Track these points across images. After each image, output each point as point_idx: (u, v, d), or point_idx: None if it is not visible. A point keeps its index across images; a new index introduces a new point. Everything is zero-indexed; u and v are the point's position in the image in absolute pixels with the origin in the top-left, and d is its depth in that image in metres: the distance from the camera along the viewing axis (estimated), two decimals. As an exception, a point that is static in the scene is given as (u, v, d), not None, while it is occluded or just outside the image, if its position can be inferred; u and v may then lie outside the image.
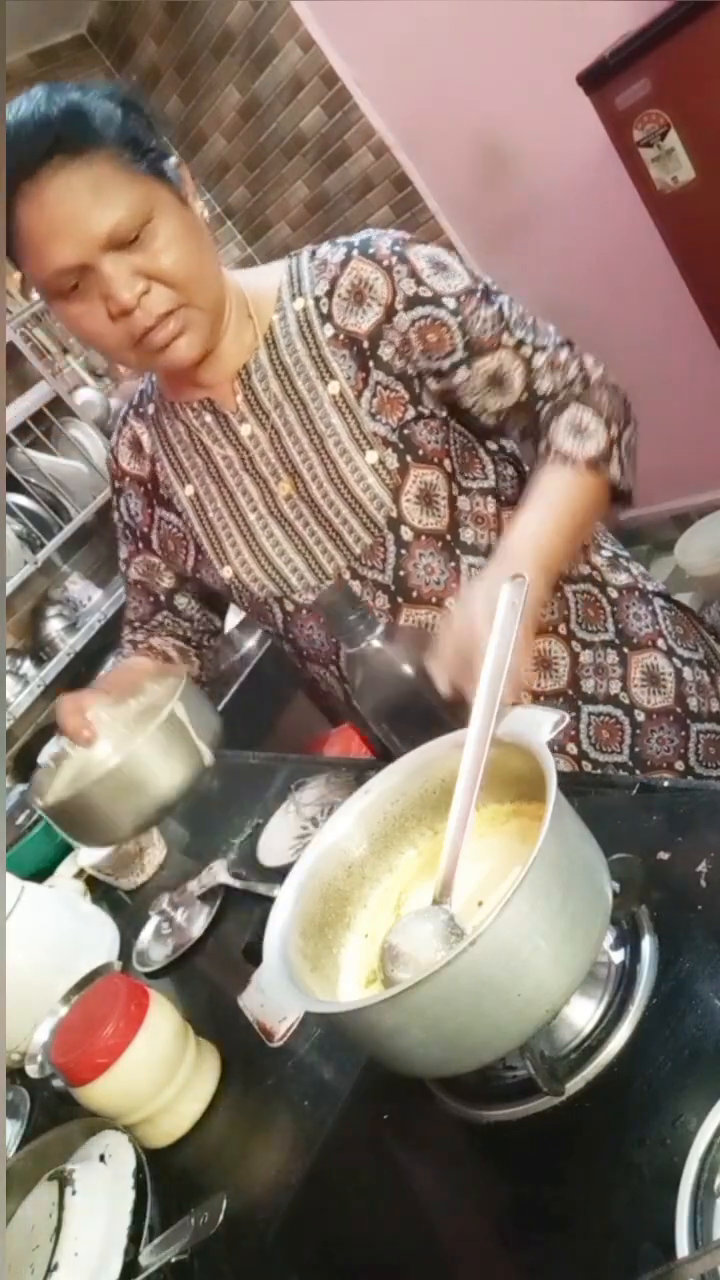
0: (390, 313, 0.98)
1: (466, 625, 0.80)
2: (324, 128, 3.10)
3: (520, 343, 1.01)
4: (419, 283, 0.98)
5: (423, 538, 1.03)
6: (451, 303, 0.99)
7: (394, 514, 1.02)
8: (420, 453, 1.02)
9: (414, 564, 1.03)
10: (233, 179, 3.49)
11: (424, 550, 1.03)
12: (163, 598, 1.25)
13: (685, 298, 2.44)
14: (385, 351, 0.99)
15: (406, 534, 1.03)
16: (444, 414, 1.04)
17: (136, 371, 1.07)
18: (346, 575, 1.05)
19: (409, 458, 1.01)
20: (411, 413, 1.01)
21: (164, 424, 1.12)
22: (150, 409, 1.14)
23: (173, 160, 0.94)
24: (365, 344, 0.99)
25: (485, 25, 2.55)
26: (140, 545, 1.21)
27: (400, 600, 1.05)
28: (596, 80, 2.17)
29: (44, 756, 1.17)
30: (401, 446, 1.01)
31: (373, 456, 1.00)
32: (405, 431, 1.01)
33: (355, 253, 1.00)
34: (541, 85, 2.48)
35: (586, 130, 2.30)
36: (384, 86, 2.92)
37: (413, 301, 0.98)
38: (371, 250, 1.00)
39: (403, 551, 1.03)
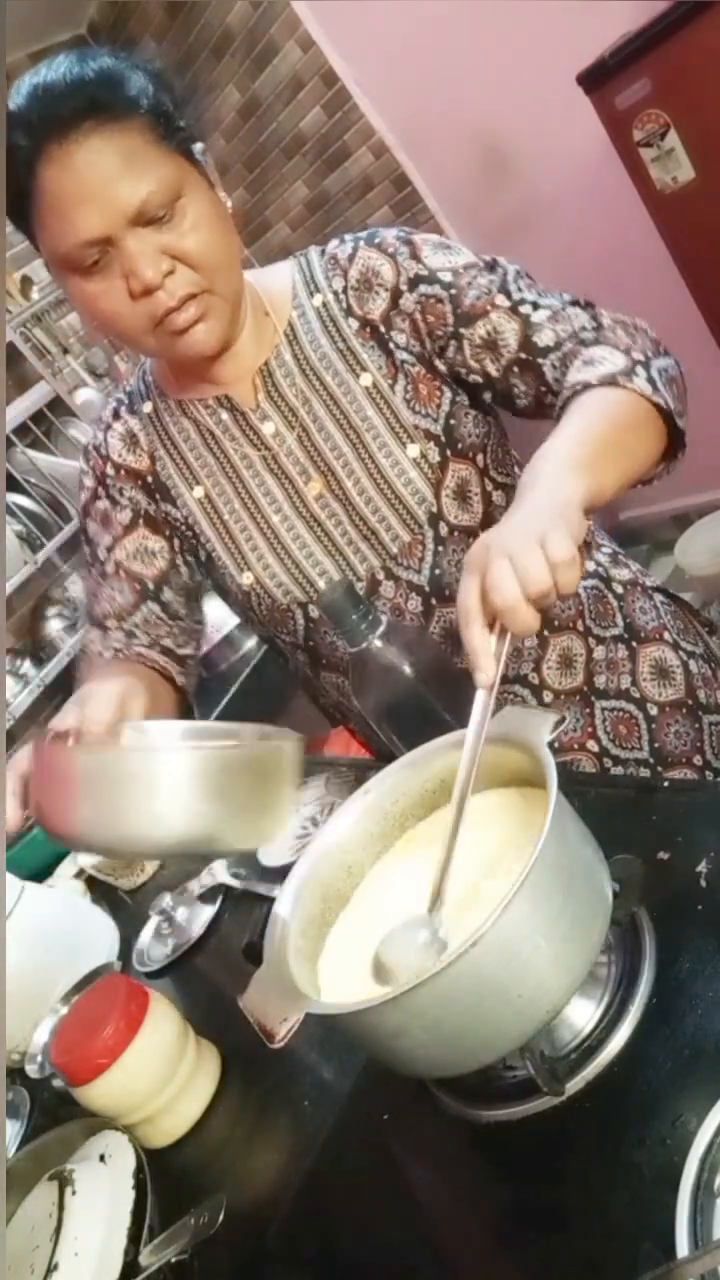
0: (396, 295, 0.98)
1: (479, 545, 0.70)
2: (324, 128, 3.10)
3: (518, 302, 0.95)
4: (418, 261, 0.98)
5: (457, 534, 1.01)
6: (447, 276, 0.97)
7: (434, 509, 1.00)
8: (460, 446, 1.00)
9: (449, 561, 1.02)
10: (233, 179, 3.49)
11: (458, 546, 1.02)
12: (151, 585, 1.10)
13: (685, 298, 2.44)
14: (399, 337, 0.98)
15: (444, 530, 1.01)
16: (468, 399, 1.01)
17: (154, 357, 1.01)
18: (380, 576, 1.03)
19: (449, 451, 1.00)
20: (449, 400, 0.99)
21: (165, 422, 1.08)
22: (146, 407, 1.09)
23: (200, 145, 0.91)
24: (382, 329, 0.98)
25: (485, 25, 2.55)
26: (137, 527, 1.10)
27: (434, 601, 1.03)
28: (596, 80, 2.17)
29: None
30: (444, 439, 0.99)
31: (414, 450, 0.98)
32: (450, 422, 0.99)
33: (362, 244, 1.00)
34: (541, 85, 2.48)
35: (586, 130, 2.30)
36: (384, 86, 2.92)
37: (414, 281, 0.97)
38: (378, 240, 1.00)
39: (439, 549, 1.01)
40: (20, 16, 2.97)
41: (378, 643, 0.87)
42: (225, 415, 1.04)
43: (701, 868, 0.77)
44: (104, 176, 0.82)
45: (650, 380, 0.85)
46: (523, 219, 2.91)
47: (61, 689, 2.80)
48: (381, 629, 0.88)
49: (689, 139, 2.13)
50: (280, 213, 3.46)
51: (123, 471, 1.10)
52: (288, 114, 3.14)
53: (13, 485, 2.67)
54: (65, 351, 2.95)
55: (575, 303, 0.96)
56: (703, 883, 0.76)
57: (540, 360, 0.93)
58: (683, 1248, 0.52)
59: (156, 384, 1.09)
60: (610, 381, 0.84)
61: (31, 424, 2.78)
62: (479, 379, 0.98)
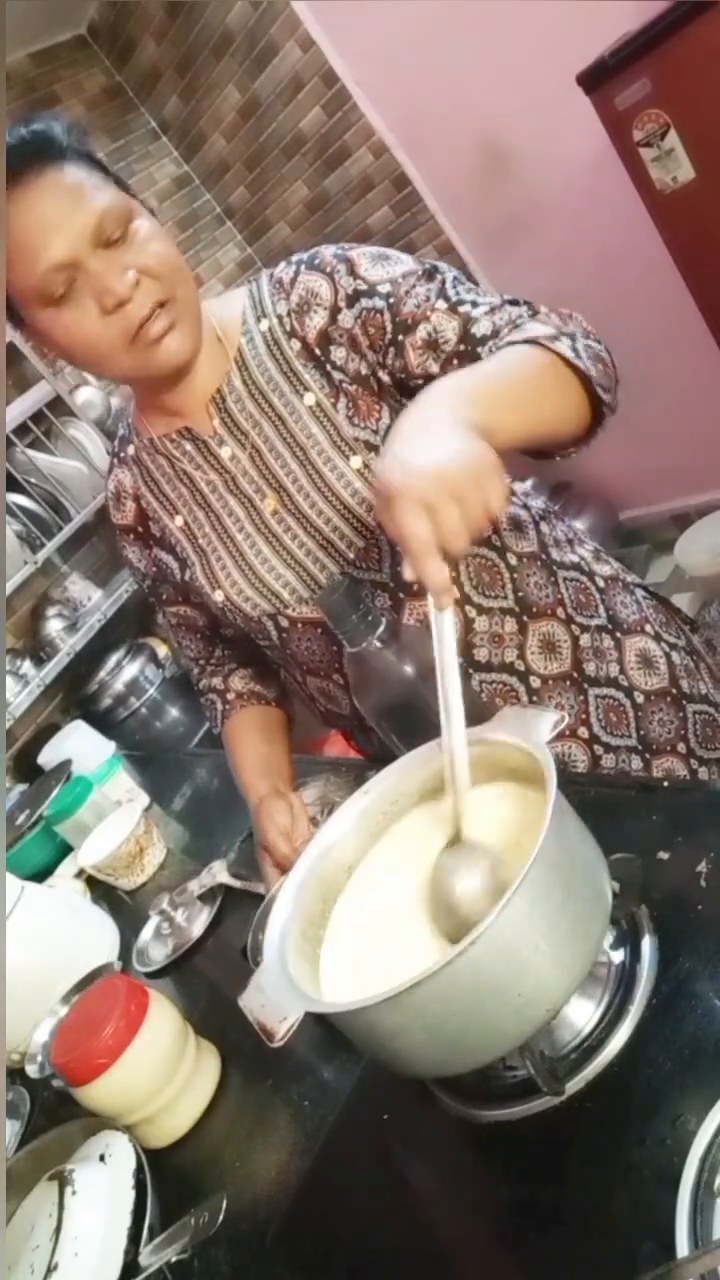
0: (335, 313, 1.00)
1: (417, 473, 0.70)
2: (324, 128, 3.10)
3: (459, 302, 0.98)
4: (356, 277, 1.00)
5: None
6: (385, 288, 0.99)
7: None
8: None
9: None
10: (233, 179, 3.49)
11: None
12: (208, 632, 1.27)
13: (685, 298, 2.44)
14: (338, 355, 1.01)
15: None
16: None
17: (130, 379, 1.04)
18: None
19: None
20: (388, 415, 1.02)
21: (145, 461, 1.14)
22: (130, 450, 1.16)
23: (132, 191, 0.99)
24: (318, 351, 1.01)
25: (485, 25, 2.55)
26: (162, 593, 1.24)
27: (402, 595, 1.05)
28: (596, 80, 2.16)
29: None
30: (383, 449, 1.01)
31: (357, 461, 1.01)
32: (388, 433, 1.01)
33: (303, 267, 1.03)
34: (541, 85, 2.48)
35: (586, 130, 2.30)
36: (384, 86, 2.92)
37: (353, 298, 0.99)
38: (317, 261, 1.02)
39: (397, 549, 1.03)
40: (20, 16, 2.97)
41: (377, 643, 0.87)
42: (188, 445, 1.09)
43: (701, 868, 0.77)
44: (60, 206, 0.90)
45: (574, 349, 0.88)
46: (523, 219, 2.91)
47: (61, 689, 2.80)
48: (381, 629, 0.88)
49: (689, 139, 2.12)
50: (280, 213, 3.46)
51: (119, 530, 1.22)
52: (288, 114, 3.14)
53: (13, 485, 2.67)
54: (65, 351, 2.94)
55: (513, 301, 0.99)
56: (703, 883, 0.76)
57: (479, 349, 0.96)
58: (683, 1248, 0.52)
59: (135, 427, 1.15)
60: (533, 341, 0.88)
61: (31, 424, 2.77)
62: (421, 382, 1.00)
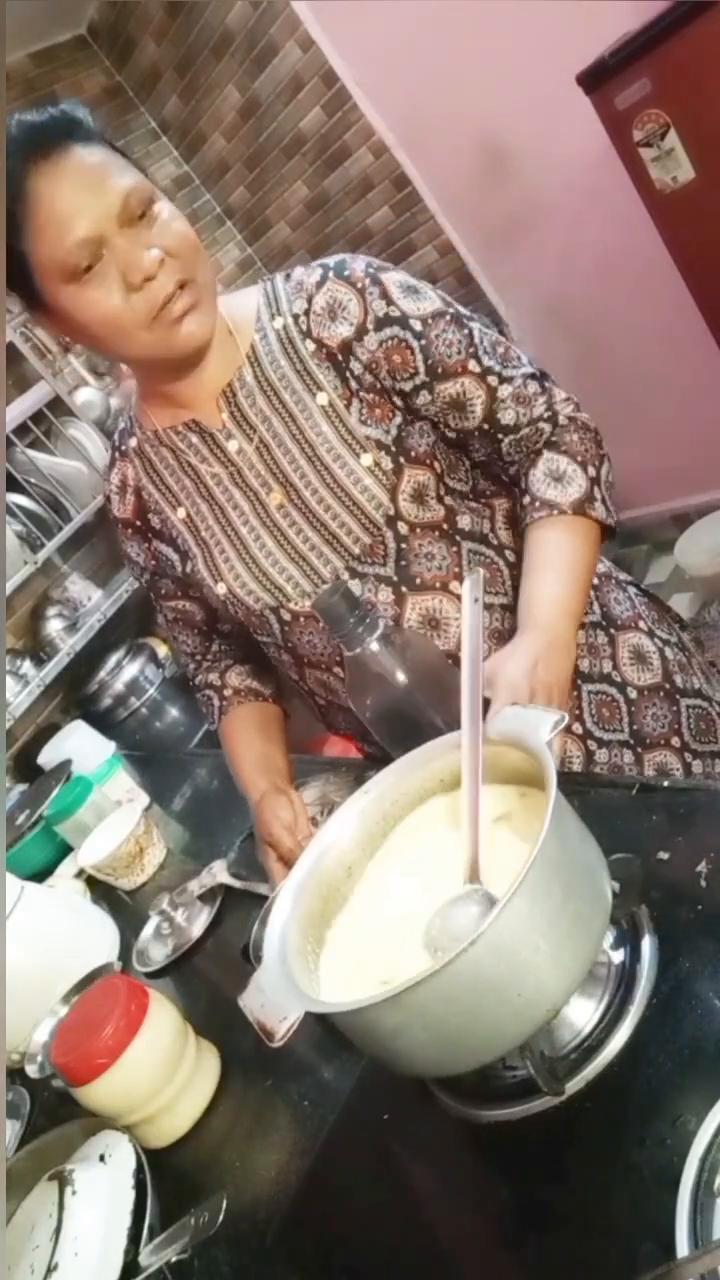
0: (361, 331, 1.01)
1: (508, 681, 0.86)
2: (324, 128, 3.10)
3: (487, 370, 1.03)
4: (389, 303, 1.01)
5: (418, 529, 1.05)
6: (417, 325, 1.02)
7: (392, 511, 1.04)
8: (412, 454, 1.04)
9: (415, 554, 1.05)
10: (233, 179, 3.49)
11: (422, 541, 1.05)
12: (205, 628, 1.28)
13: (685, 298, 2.44)
14: (356, 366, 1.02)
15: (404, 528, 1.05)
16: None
17: (147, 359, 1.02)
18: (345, 576, 1.06)
19: (402, 459, 1.04)
20: (400, 419, 1.04)
21: (147, 453, 1.14)
22: (131, 443, 1.16)
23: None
24: (339, 356, 1.02)
25: (485, 25, 2.55)
26: (160, 587, 1.25)
27: (405, 590, 1.06)
28: (596, 80, 2.16)
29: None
30: (394, 449, 1.03)
31: (367, 459, 1.02)
32: (400, 434, 1.04)
33: (331, 274, 1.03)
34: (541, 85, 2.48)
35: (586, 130, 2.30)
36: (384, 86, 2.92)
37: (382, 322, 1.01)
38: (346, 272, 1.03)
39: (403, 545, 1.05)
40: (20, 16, 2.97)
41: (374, 645, 0.87)
42: (194, 438, 1.09)
43: (701, 868, 0.77)
44: (89, 180, 0.92)
45: (604, 503, 1.05)
46: (523, 219, 2.91)
47: (61, 689, 2.80)
48: (379, 632, 0.88)
49: (689, 139, 2.12)
50: (280, 213, 3.46)
51: (120, 524, 1.21)
52: (288, 114, 3.14)
53: (13, 485, 2.67)
54: (65, 351, 2.95)
55: (532, 375, 1.06)
56: (703, 883, 0.76)
57: (500, 436, 1.06)
58: (683, 1248, 0.52)
59: (137, 420, 1.15)
60: (578, 508, 1.03)
61: (31, 424, 2.77)
62: (439, 424, 1.06)
